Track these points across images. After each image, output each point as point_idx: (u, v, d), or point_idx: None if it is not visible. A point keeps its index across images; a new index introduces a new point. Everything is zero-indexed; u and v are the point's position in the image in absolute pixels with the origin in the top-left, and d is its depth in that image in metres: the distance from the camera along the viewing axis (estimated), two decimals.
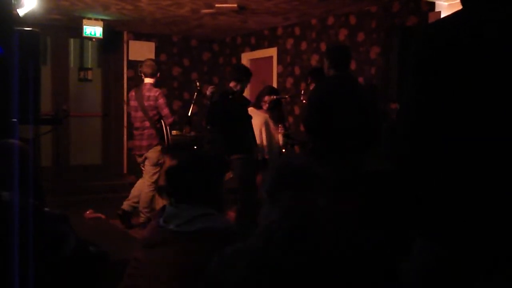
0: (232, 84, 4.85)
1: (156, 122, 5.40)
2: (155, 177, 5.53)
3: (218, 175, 1.98)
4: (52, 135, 6.22)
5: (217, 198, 1.93)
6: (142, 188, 5.54)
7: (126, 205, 5.53)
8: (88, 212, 6.15)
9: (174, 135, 6.61)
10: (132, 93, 5.59)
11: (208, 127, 5.19)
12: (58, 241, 1.78)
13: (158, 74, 5.57)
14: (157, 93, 5.39)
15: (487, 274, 1.34)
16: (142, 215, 5.52)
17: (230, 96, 4.75)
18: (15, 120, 2.67)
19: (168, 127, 5.47)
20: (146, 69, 5.55)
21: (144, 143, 5.44)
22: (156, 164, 5.50)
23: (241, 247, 1.41)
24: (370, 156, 3.75)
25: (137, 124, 5.50)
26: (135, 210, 5.58)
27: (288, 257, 1.22)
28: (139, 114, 5.44)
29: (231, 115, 4.70)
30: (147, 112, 5.38)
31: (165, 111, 5.37)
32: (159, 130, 5.44)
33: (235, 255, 1.38)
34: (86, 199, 6.76)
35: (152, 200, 5.62)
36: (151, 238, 1.84)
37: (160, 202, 6.16)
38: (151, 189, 5.53)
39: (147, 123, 5.41)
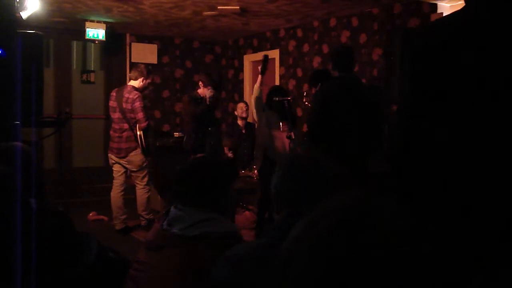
0: (200, 91, 5.62)
1: (134, 125, 5.32)
2: (146, 179, 5.48)
3: (227, 180, 1.97)
4: (55, 137, 6.23)
5: (223, 203, 1.92)
6: (137, 193, 5.51)
7: (118, 225, 5.47)
8: (91, 214, 6.17)
9: (176, 137, 6.62)
10: (113, 93, 5.50)
11: (210, 129, 5.26)
12: (81, 246, 1.73)
13: (142, 79, 5.43)
14: (136, 96, 5.28)
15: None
16: (142, 218, 5.51)
17: (208, 102, 5.43)
18: (18, 122, 2.68)
19: (142, 131, 5.33)
20: (132, 71, 5.57)
21: (123, 145, 5.35)
22: (142, 168, 5.44)
23: (245, 249, 1.41)
24: (373, 158, 3.75)
25: (115, 126, 5.41)
26: (128, 220, 5.55)
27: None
28: (117, 115, 5.36)
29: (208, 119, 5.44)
30: (125, 114, 5.30)
31: (140, 115, 5.25)
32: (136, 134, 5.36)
33: (238, 258, 1.38)
34: (89, 201, 6.78)
35: (148, 201, 5.57)
36: (154, 241, 1.84)
37: (159, 202, 6.16)
38: (146, 191, 5.49)
39: (125, 125, 5.32)
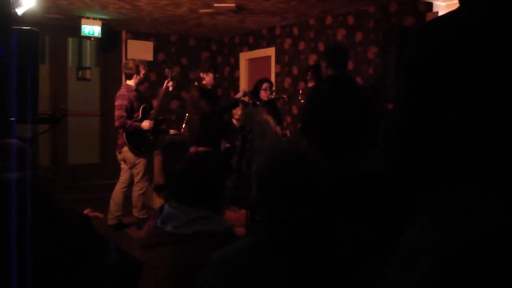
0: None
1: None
2: (139, 177, 5.46)
3: (221, 178, 1.97)
4: (50, 134, 6.23)
5: (218, 201, 1.91)
6: (133, 190, 5.51)
7: (110, 220, 5.46)
8: (86, 211, 6.13)
9: (172, 134, 6.61)
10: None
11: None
12: (102, 249, 1.69)
13: (136, 76, 5.45)
14: (118, 94, 5.36)
15: None
16: (140, 216, 5.50)
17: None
18: (13, 119, 2.67)
19: (123, 129, 5.33)
20: (123, 70, 5.61)
21: (118, 141, 5.49)
22: (134, 165, 5.42)
23: (231, 251, 1.40)
24: (367, 157, 3.76)
25: (115, 123, 5.47)
26: (122, 217, 5.55)
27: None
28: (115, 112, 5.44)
29: None
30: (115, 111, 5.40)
31: (115, 113, 5.30)
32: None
33: (225, 260, 1.37)
34: (84, 198, 6.75)
35: (139, 200, 5.53)
36: (148, 239, 1.84)
37: (157, 201, 6.16)
38: (137, 189, 5.48)
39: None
